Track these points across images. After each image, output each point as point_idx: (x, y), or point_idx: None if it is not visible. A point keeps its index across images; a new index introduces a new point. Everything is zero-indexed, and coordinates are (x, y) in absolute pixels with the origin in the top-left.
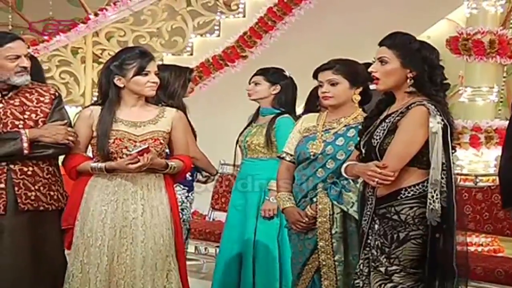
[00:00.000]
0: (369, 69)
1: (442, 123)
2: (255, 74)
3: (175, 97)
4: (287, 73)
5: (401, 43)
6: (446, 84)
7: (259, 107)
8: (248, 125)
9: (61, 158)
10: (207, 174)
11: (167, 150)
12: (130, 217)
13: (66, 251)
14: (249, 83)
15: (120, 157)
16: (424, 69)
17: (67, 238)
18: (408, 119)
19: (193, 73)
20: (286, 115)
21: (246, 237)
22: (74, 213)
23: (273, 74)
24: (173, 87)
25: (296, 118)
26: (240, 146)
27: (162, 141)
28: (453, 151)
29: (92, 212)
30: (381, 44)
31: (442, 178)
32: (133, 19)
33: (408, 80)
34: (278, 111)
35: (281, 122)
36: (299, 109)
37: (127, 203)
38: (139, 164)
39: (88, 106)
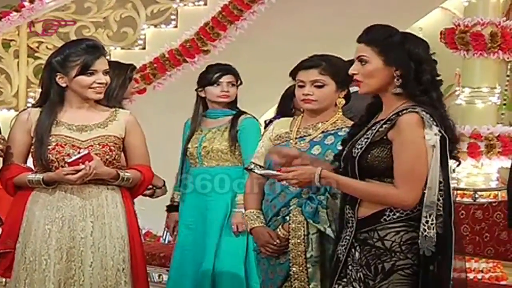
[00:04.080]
0: (350, 71)
1: (440, 134)
2: (228, 73)
3: (111, 98)
4: None
5: (380, 38)
6: (438, 81)
7: (205, 109)
8: (193, 131)
9: None
10: (152, 185)
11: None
12: (78, 236)
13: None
14: (217, 84)
15: (62, 166)
16: (409, 66)
17: (3, 264)
18: (405, 131)
19: (135, 71)
20: (249, 115)
21: (204, 260)
22: (14, 234)
23: (237, 73)
24: (109, 86)
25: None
26: (192, 155)
27: (112, 147)
28: (457, 162)
29: (35, 232)
30: (358, 40)
31: (438, 199)
32: (75, 7)
33: (395, 80)
34: (233, 112)
35: (246, 123)
36: (270, 113)
37: (75, 221)
38: (79, 174)
39: (26, 108)
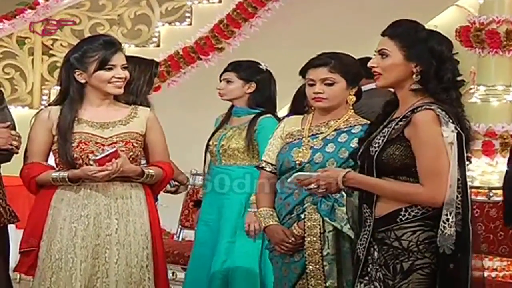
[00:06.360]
0: (369, 64)
1: (456, 131)
2: (226, 70)
3: (138, 94)
4: (263, 66)
5: (404, 33)
6: (459, 81)
7: (231, 106)
8: (218, 128)
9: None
10: (177, 183)
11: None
12: (103, 234)
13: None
14: (220, 81)
15: (86, 164)
16: (431, 63)
17: (26, 262)
18: (422, 129)
19: (159, 67)
20: (269, 115)
21: (220, 257)
22: (37, 233)
23: (246, 70)
24: (137, 83)
25: (278, 118)
26: (212, 152)
27: (135, 144)
28: (467, 162)
29: (61, 231)
30: (383, 34)
31: (456, 197)
32: (90, 4)
33: (414, 76)
34: (257, 111)
35: (264, 123)
36: (284, 110)
37: (100, 218)
38: (106, 172)
39: (47, 106)
